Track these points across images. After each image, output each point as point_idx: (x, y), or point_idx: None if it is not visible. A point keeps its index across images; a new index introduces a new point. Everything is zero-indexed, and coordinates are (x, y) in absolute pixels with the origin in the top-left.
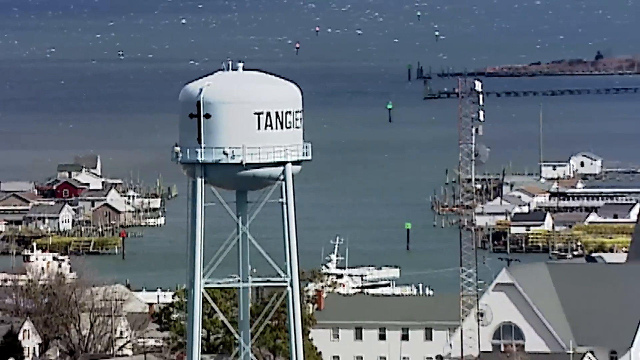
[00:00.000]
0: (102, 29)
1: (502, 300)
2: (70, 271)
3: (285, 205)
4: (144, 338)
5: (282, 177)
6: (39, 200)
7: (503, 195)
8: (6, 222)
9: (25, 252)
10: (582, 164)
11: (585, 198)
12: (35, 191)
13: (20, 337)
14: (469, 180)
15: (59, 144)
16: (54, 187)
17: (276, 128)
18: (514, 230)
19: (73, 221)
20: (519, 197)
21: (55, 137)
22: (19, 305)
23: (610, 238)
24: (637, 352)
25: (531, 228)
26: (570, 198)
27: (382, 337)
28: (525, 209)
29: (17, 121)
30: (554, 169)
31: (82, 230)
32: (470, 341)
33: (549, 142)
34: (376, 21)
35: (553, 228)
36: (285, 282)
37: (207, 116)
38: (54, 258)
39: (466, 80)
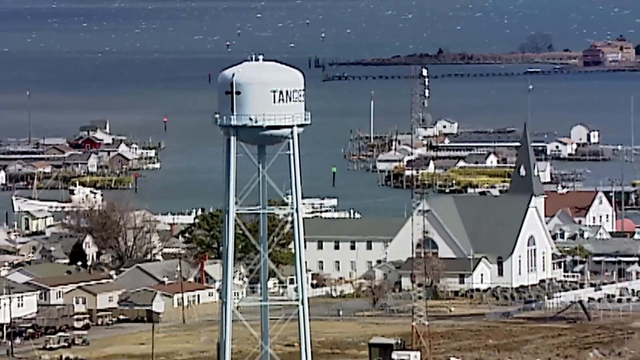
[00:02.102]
0: (98, 32)
1: (422, 221)
2: (102, 201)
3: (292, 156)
4: (178, 247)
5: (290, 136)
6: (71, 151)
7: (393, 148)
8: (52, 166)
9: (71, 187)
10: (444, 127)
11: (453, 150)
12: (67, 144)
13: (83, 247)
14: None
15: (77, 111)
16: (80, 142)
17: (286, 101)
18: (408, 172)
19: (97, 166)
20: (405, 149)
21: (75, 105)
22: (80, 225)
23: (475, 178)
24: (516, 258)
25: (419, 171)
26: (442, 150)
27: (337, 247)
28: (412, 157)
29: (48, 94)
30: (425, 130)
31: (104, 172)
32: (403, 250)
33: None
34: (288, 26)
35: (434, 171)
36: (292, 209)
37: (238, 93)
38: (91, 192)
39: (415, 67)
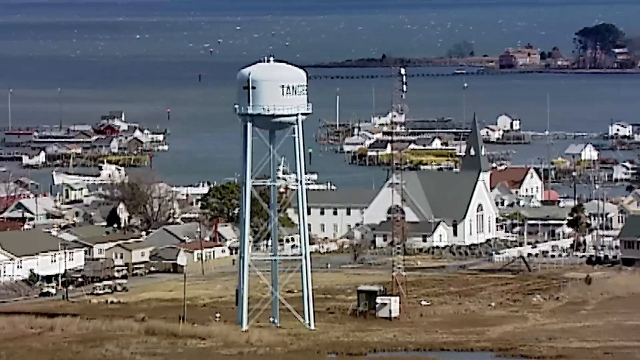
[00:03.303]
0: (110, 40)
1: (400, 192)
2: (126, 176)
3: (297, 138)
4: (194, 213)
5: (295, 122)
6: (96, 136)
7: (355, 133)
8: (82, 148)
9: (100, 165)
10: (394, 116)
11: (404, 135)
12: (92, 130)
13: (117, 212)
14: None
15: (98, 103)
16: (102, 128)
17: (292, 94)
18: (369, 153)
19: (117, 147)
20: (365, 134)
21: (96, 99)
22: (114, 195)
23: (425, 157)
24: (468, 221)
25: (379, 152)
26: (396, 135)
27: (322, 213)
28: (372, 141)
29: (74, 90)
30: (379, 118)
31: (124, 153)
32: (377, 215)
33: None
34: (262, 37)
35: (392, 151)
36: (298, 180)
37: (253, 87)
38: (116, 168)
39: (394, 67)
